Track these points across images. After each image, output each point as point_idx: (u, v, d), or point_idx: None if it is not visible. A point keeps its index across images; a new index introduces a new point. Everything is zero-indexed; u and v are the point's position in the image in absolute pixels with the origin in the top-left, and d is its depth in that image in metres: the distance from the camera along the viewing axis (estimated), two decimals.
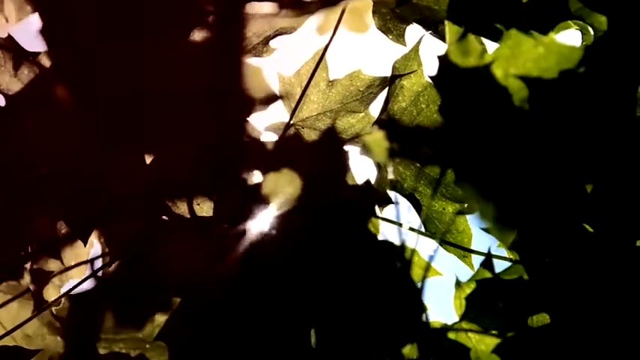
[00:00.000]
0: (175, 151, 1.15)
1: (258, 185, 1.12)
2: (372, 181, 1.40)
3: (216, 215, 1.17)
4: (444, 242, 1.40)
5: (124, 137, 1.16)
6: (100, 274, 1.35)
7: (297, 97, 1.39)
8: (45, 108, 1.15)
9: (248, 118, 1.12)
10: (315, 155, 1.15)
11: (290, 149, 1.16)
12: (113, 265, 1.26)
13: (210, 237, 1.28)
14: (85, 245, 1.32)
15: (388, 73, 1.40)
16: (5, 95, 1.24)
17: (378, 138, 1.11)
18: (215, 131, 1.08)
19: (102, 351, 1.52)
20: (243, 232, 1.17)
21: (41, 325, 1.49)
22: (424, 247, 1.35)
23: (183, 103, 1.09)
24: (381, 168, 1.39)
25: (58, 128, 1.16)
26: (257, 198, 1.10)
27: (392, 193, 1.43)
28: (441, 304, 1.30)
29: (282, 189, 1.11)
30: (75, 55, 1.06)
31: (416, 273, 1.28)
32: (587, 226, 1.27)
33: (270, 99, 1.08)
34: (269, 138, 1.35)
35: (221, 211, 1.15)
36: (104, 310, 1.28)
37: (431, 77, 1.15)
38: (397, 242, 1.24)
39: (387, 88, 1.41)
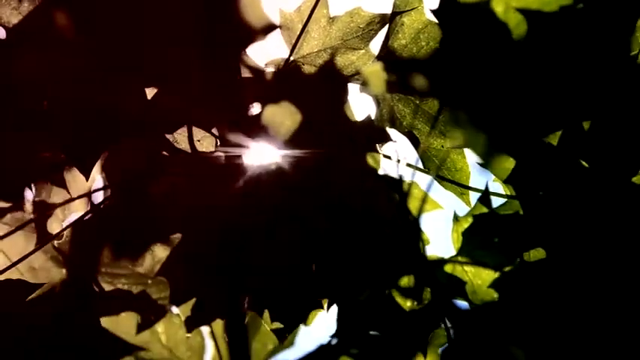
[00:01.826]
0: (174, 83, 1.15)
1: (258, 116, 1.12)
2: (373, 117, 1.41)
3: (217, 148, 1.18)
4: (441, 179, 1.41)
5: (124, 69, 1.16)
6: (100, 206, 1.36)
7: (298, 33, 1.39)
8: (45, 40, 1.16)
9: (247, 50, 1.12)
10: (315, 89, 1.16)
11: (289, 82, 1.16)
12: (111, 198, 1.27)
13: (209, 172, 1.29)
14: (87, 179, 1.33)
15: (389, 10, 1.40)
16: (6, 28, 1.25)
17: (376, 70, 1.12)
18: (213, 63, 1.09)
19: (105, 286, 1.54)
20: (243, 165, 1.18)
21: (46, 258, 1.50)
22: (423, 183, 1.36)
23: (181, 33, 1.10)
24: (380, 105, 1.40)
25: (58, 60, 1.17)
26: (256, 129, 1.11)
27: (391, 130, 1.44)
28: (440, 238, 1.32)
29: (281, 121, 1.12)
30: None
31: (416, 206, 1.29)
32: (582, 162, 1.28)
33: (268, 28, 1.08)
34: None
35: (221, 143, 1.16)
36: (102, 242, 1.29)
37: (432, 11, 1.15)
38: (402, 177, 1.26)
39: (387, 26, 1.41)
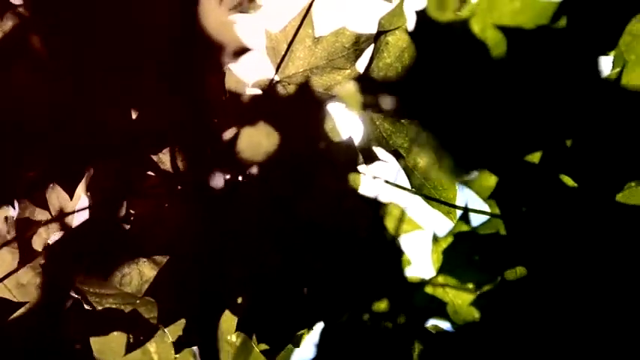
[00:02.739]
0: (155, 105, 1.16)
1: (234, 139, 1.13)
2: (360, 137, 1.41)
3: (190, 170, 1.18)
4: (427, 198, 1.41)
5: (108, 89, 1.17)
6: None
7: (283, 53, 1.40)
8: (26, 58, 1.16)
9: (226, 71, 1.13)
10: (297, 109, 1.16)
11: (270, 103, 1.16)
12: (86, 217, 1.27)
13: (191, 193, 1.29)
14: (70, 197, 1.34)
15: (374, 30, 1.41)
16: None
17: (351, 91, 1.12)
18: (189, 86, 1.09)
19: (95, 306, 1.55)
20: (219, 188, 1.19)
21: (34, 274, 1.51)
22: (408, 202, 1.36)
23: (158, 56, 1.10)
24: (366, 123, 1.40)
25: (40, 78, 1.18)
26: (233, 152, 1.11)
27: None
28: (420, 259, 1.31)
29: (258, 144, 1.12)
30: (50, 6, 1.07)
31: (395, 227, 1.29)
32: (566, 179, 1.27)
33: (241, 51, 1.08)
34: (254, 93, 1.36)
35: (194, 166, 1.17)
36: (76, 261, 1.30)
37: (409, 33, 1.15)
38: (379, 197, 1.26)
39: (372, 45, 1.41)
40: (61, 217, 1.35)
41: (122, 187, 1.33)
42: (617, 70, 1.25)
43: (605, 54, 1.24)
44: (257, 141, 1.13)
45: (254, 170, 1.16)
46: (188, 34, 1.06)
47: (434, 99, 1.16)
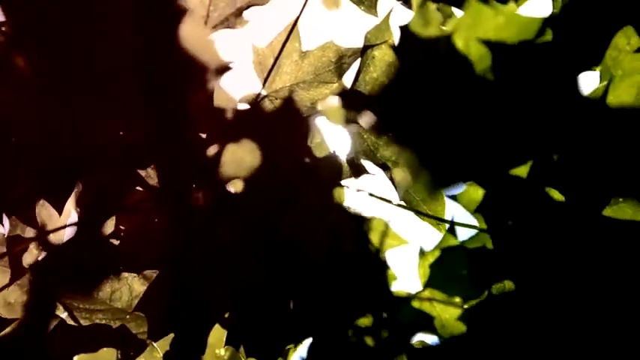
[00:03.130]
0: (140, 120, 1.16)
1: (218, 156, 1.13)
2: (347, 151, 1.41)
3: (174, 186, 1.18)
4: (417, 212, 1.41)
5: (88, 106, 1.17)
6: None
7: (270, 67, 1.40)
8: (11, 76, 1.16)
9: (213, 88, 1.13)
10: (278, 125, 1.16)
11: (254, 118, 1.17)
12: (70, 234, 1.27)
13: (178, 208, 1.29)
14: (59, 214, 1.34)
15: (360, 44, 1.41)
16: None
17: (333, 106, 1.12)
18: (167, 103, 1.09)
19: (82, 322, 1.55)
20: (204, 203, 1.19)
21: (22, 292, 1.50)
22: (394, 216, 1.36)
23: (137, 72, 1.11)
24: (354, 137, 1.40)
25: (25, 97, 1.18)
26: (216, 169, 1.11)
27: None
28: (407, 273, 1.31)
29: (242, 160, 1.12)
30: (33, 25, 1.08)
31: (380, 241, 1.29)
32: (553, 193, 1.27)
33: (222, 70, 1.09)
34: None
35: (178, 181, 1.17)
36: (62, 278, 1.30)
37: (393, 47, 1.15)
38: (366, 212, 1.26)
39: (359, 59, 1.41)
40: (48, 233, 1.35)
41: (108, 202, 1.32)
42: (604, 84, 1.25)
43: (591, 69, 1.24)
44: (241, 157, 1.13)
45: (238, 186, 1.16)
46: (170, 53, 1.06)
47: (418, 113, 1.16)
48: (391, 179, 1.43)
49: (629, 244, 1.27)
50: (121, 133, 1.19)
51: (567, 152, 1.26)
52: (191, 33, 1.05)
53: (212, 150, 1.11)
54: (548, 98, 1.22)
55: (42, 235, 1.39)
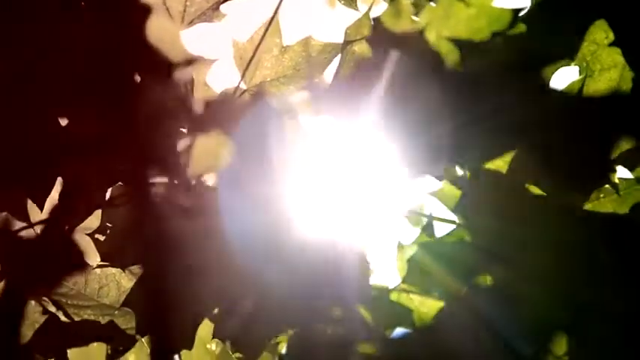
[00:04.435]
0: (91, 114, 1.16)
1: (188, 149, 1.13)
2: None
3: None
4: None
5: (35, 99, 1.17)
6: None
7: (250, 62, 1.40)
8: None
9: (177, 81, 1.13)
10: (248, 119, 1.16)
11: (221, 113, 1.17)
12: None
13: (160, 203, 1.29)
14: (40, 209, 1.34)
15: (340, 39, 1.41)
16: None
17: (302, 100, 1.12)
18: (139, 97, 1.10)
19: (75, 318, 1.55)
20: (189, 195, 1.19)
21: None
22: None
23: (92, 66, 1.11)
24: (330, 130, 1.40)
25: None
26: (187, 161, 1.11)
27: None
28: (386, 267, 1.31)
29: (212, 153, 1.12)
30: None
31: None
32: (532, 189, 1.27)
33: (189, 62, 1.09)
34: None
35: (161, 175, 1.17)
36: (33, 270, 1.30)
37: (366, 40, 1.15)
38: None
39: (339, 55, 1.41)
40: (27, 227, 1.36)
41: (89, 197, 1.33)
42: (580, 78, 1.25)
43: (568, 62, 1.24)
44: (212, 150, 1.13)
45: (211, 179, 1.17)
46: (133, 47, 1.06)
47: (390, 108, 1.16)
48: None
49: (609, 238, 1.27)
50: (96, 128, 1.19)
51: (546, 147, 1.25)
52: (157, 27, 1.05)
53: (183, 143, 1.11)
54: (523, 92, 1.22)
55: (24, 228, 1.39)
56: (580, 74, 1.28)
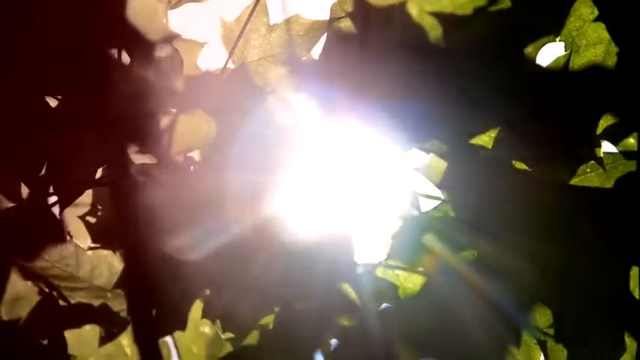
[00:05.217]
0: (75, 91, 1.16)
1: (171, 127, 1.13)
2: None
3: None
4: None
5: (22, 78, 1.18)
6: None
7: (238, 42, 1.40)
8: None
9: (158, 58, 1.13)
10: (234, 98, 1.16)
11: (205, 91, 1.17)
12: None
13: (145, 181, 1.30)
14: (31, 190, 1.34)
15: (327, 17, 1.41)
16: None
17: (281, 74, 1.12)
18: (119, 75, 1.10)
19: (69, 300, 1.56)
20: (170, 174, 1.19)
21: None
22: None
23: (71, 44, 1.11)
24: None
25: None
26: (169, 141, 1.12)
27: None
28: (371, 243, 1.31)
29: (194, 131, 1.12)
30: None
31: None
32: (518, 165, 1.27)
33: (169, 38, 1.09)
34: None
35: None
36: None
37: (347, 14, 1.15)
38: None
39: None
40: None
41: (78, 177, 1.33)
42: (566, 54, 1.25)
43: (553, 38, 1.24)
44: (195, 128, 1.14)
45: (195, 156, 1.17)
46: (118, 23, 1.07)
47: (373, 82, 1.16)
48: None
49: (594, 212, 1.27)
50: (81, 106, 1.20)
51: (530, 122, 1.26)
52: (140, 5, 1.05)
53: (166, 121, 1.11)
54: (507, 67, 1.22)
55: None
56: (565, 50, 1.28)
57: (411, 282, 1.28)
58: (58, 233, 1.32)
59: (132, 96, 1.10)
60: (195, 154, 1.19)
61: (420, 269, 1.25)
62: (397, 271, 1.28)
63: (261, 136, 1.16)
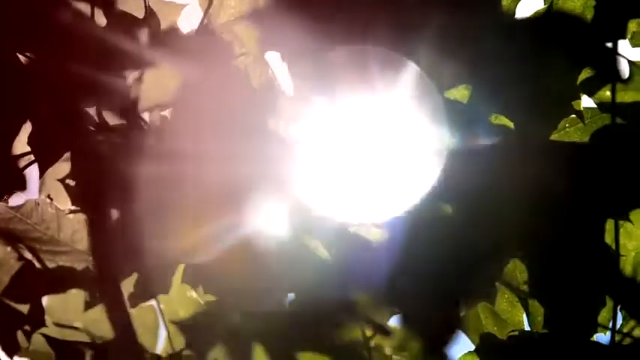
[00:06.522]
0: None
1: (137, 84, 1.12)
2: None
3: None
4: None
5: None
6: None
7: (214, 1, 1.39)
8: None
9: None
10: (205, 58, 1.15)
11: (174, 47, 1.16)
12: None
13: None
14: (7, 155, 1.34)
15: None
16: None
17: (247, 29, 1.11)
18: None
19: (48, 264, 1.56)
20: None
21: None
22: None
23: None
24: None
25: None
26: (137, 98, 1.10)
27: None
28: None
29: (162, 87, 1.11)
30: None
31: None
32: (502, 120, 1.26)
33: None
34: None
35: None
36: None
37: None
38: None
39: None
40: None
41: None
42: (546, 6, 1.23)
43: None
44: (162, 83, 1.12)
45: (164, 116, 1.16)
46: None
47: (344, 37, 1.15)
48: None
49: (572, 167, 1.26)
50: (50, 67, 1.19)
51: (510, 76, 1.24)
52: None
53: (133, 76, 1.10)
54: (485, 21, 1.21)
55: None
56: (545, 3, 1.26)
57: None
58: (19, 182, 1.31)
59: (100, 52, 1.08)
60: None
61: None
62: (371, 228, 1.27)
63: (235, 99, 1.14)
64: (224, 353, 1.28)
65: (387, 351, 1.19)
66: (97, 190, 1.18)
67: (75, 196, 1.47)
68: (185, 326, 1.36)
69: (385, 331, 1.16)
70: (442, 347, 1.15)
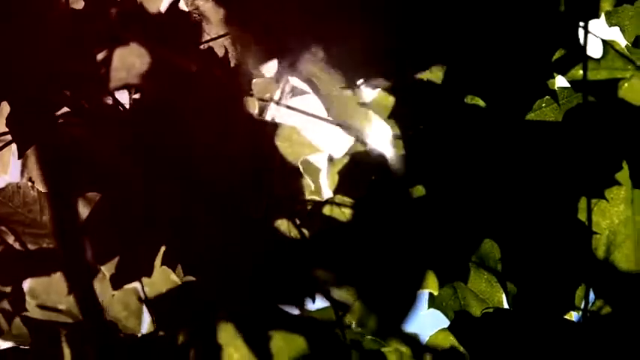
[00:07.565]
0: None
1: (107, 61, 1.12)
2: None
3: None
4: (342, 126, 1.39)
5: None
6: None
7: None
8: None
9: None
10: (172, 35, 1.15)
11: (144, 26, 1.15)
12: None
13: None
14: None
15: None
16: None
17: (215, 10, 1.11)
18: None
19: (30, 246, 1.56)
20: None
21: None
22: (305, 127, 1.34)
23: None
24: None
25: None
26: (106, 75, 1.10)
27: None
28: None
29: (131, 65, 1.11)
30: None
31: (295, 151, 1.28)
32: (476, 100, 1.25)
33: None
34: None
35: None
36: None
37: None
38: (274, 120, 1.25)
39: None
40: None
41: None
42: None
43: None
44: (131, 62, 1.12)
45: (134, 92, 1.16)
46: None
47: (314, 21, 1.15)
48: (318, 94, 1.42)
49: (547, 145, 1.26)
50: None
51: (486, 55, 1.24)
52: None
53: (100, 55, 1.10)
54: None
55: None
56: None
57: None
58: None
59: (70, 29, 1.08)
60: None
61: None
62: (343, 209, 1.27)
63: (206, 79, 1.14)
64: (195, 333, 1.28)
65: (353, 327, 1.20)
66: (63, 173, 1.17)
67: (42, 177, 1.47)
68: (158, 305, 1.35)
69: (343, 307, 1.16)
70: (399, 323, 1.15)
